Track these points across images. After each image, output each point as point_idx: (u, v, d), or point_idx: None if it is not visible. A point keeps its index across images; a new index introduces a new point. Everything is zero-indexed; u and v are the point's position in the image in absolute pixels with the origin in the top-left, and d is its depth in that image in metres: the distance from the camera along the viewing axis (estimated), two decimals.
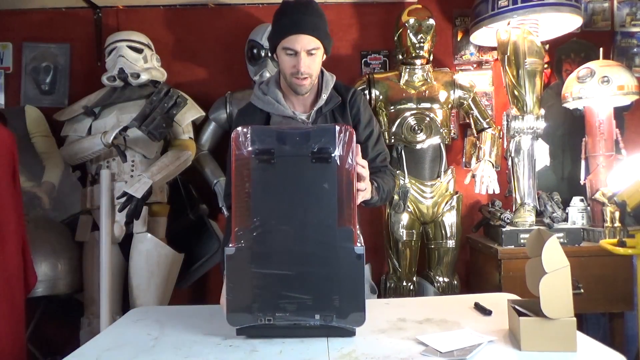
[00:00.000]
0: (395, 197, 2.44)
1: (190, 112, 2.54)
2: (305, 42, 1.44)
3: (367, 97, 2.51)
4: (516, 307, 1.16)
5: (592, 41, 2.85)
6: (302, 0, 1.48)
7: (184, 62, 2.90)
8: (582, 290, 2.11)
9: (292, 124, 1.53)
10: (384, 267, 2.67)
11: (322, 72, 1.57)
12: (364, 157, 1.46)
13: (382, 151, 1.62)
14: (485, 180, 2.45)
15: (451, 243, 2.51)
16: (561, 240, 2.32)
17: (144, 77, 2.42)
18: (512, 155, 2.43)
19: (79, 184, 2.60)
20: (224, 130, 2.67)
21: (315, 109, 1.54)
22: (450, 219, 2.51)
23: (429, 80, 2.53)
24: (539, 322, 1.06)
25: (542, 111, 2.40)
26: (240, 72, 2.74)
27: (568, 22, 2.55)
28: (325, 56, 1.54)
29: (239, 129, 1.20)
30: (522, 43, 2.38)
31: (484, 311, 1.37)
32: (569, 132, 2.77)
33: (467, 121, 2.71)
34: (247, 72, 2.67)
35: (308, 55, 1.46)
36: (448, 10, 2.95)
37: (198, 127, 2.67)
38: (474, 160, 2.60)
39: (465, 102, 2.58)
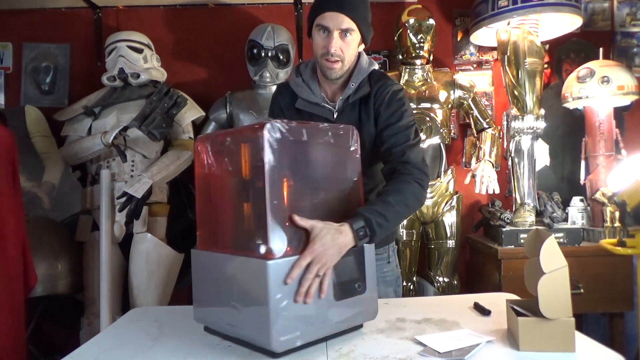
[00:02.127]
0: None
1: (190, 112, 2.54)
2: (339, 21, 1.34)
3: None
4: (515, 307, 1.15)
5: (592, 41, 2.85)
6: None
7: (184, 62, 2.91)
8: (582, 290, 2.11)
9: (317, 110, 1.46)
10: None
11: (358, 60, 1.48)
12: (380, 145, 1.41)
13: (399, 144, 1.37)
14: (485, 180, 2.45)
15: (451, 243, 2.52)
16: (561, 240, 2.32)
17: (144, 77, 2.43)
18: (512, 155, 2.43)
19: (79, 184, 2.61)
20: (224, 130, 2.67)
21: (342, 97, 1.45)
22: (450, 219, 2.51)
23: (429, 80, 2.53)
24: (537, 322, 1.06)
25: (542, 111, 2.40)
26: (240, 72, 2.74)
27: (568, 22, 2.55)
28: (363, 45, 1.46)
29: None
30: (522, 43, 2.38)
31: (483, 311, 1.36)
32: (569, 132, 2.77)
33: (467, 121, 2.71)
34: (247, 72, 2.67)
35: (341, 36, 1.36)
36: (448, 10, 2.95)
37: (198, 127, 2.67)
38: (474, 160, 2.61)
39: (465, 102, 2.58)
